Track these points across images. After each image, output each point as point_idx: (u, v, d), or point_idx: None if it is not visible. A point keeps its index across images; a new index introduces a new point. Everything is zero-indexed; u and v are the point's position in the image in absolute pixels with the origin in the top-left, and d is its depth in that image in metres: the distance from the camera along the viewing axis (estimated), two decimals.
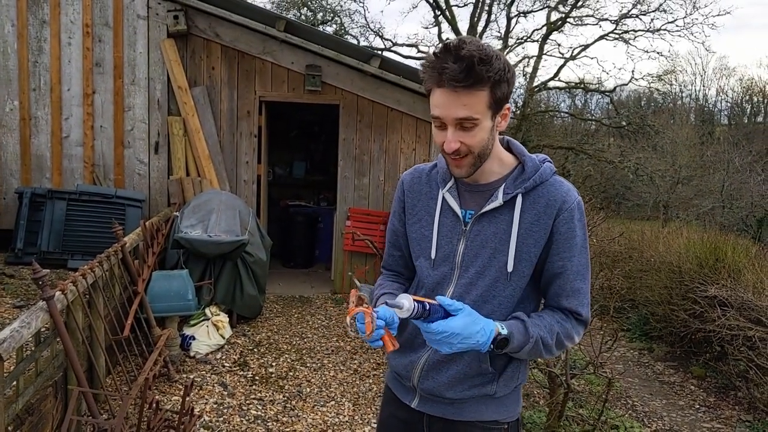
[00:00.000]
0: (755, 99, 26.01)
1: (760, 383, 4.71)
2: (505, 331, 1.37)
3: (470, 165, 1.44)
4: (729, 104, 26.60)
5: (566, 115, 20.76)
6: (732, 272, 5.43)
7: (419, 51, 19.63)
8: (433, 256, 1.55)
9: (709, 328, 5.05)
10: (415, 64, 16.35)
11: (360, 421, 3.75)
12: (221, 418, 3.63)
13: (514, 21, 19.18)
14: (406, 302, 1.28)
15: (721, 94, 26.76)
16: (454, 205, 1.52)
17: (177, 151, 6.15)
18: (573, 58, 18.69)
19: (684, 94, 26.23)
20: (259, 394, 4.01)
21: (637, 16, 18.56)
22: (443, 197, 1.55)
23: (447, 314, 1.35)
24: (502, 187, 1.48)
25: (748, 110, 26.30)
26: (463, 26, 18.96)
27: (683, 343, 5.88)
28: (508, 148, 1.56)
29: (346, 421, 3.73)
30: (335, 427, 3.64)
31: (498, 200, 1.47)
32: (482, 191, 1.51)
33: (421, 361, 1.55)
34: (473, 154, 1.41)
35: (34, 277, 2.70)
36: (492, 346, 1.36)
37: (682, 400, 4.87)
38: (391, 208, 1.72)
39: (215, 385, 4.09)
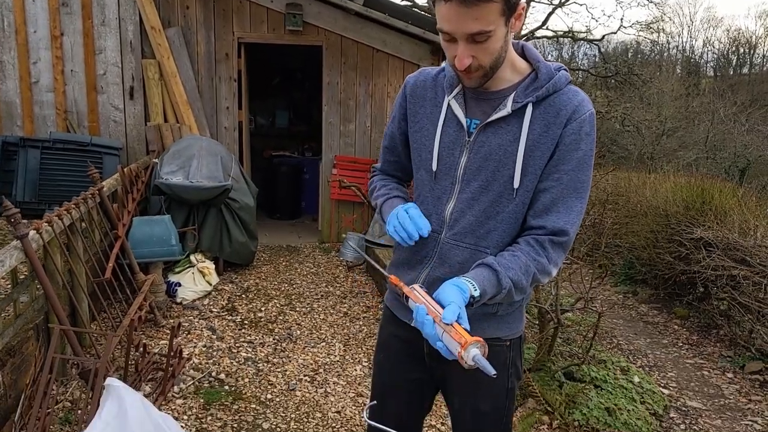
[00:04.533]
0: (741, 50, 25.95)
1: (741, 321, 4.78)
2: (477, 293, 1.26)
3: (481, 77, 1.33)
4: (715, 56, 26.53)
5: None
6: (718, 214, 5.43)
7: None
8: (434, 168, 1.45)
9: (693, 269, 5.08)
10: (400, 2, 15.91)
11: (351, 360, 3.74)
12: (211, 360, 3.59)
13: None
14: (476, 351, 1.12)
15: (707, 45, 26.68)
16: (459, 113, 1.41)
17: (153, 96, 5.93)
18: (561, 5, 18.37)
19: (671, 46, 26.07)
20: (248, 338, 3.97)
21: None
22: (448, 104, 1.44)
23: None
24: (512, 95, 1.36)
25: (734, 61, 26.27)
26: None
27: (667, 285, 5.93)
28: (523, 53, 1.43)
29: (337, 361, 3.72)
30: (326, 367, 3.62)
31: (506, 109, 1.35)
32: (491, 99, 1.39)
33: (421, 279, 1.48)
34: (484, 67, 1.30)
35: (6, 215, 2.58)
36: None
37: (666, 339, 4.93)
38: (390, 114, 1.61)
39: (203, 329, 4.04)
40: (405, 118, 1.55)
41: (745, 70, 25.70)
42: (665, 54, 25.57)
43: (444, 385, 1.61)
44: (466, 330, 1.14)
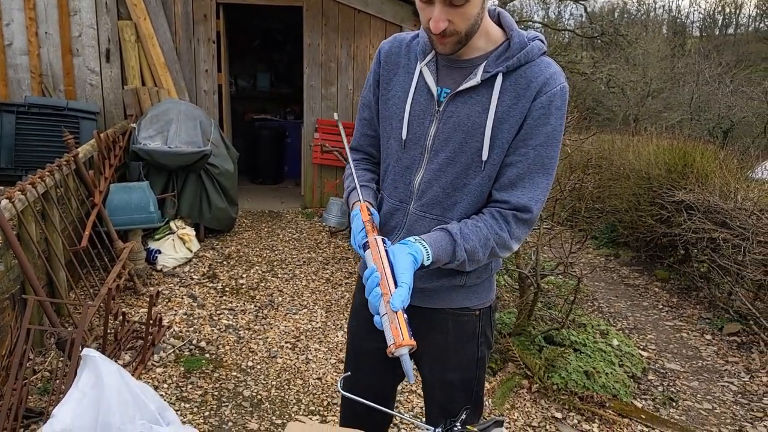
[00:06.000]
0: (727, 10, 25.78)
1: (720, 283, 4.85)
2: (428, 262, 1.26)
3: (455, 43, 1.28)
4: (701, 15, 26.34)
5: (539, 25, 20.24)
6: (700, 177, 5.46)
7: None
8: (403, 137, 1.41)
9: (675, 232, 5.12)
10: None
11: (333, 327, 3.75)
12: (192, 328, 3.58)
13: None
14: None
15: (694, 4, 26.44)
16: (430, 81, 1.36)
17: (130, 58, 5.76)
18: None
19: (657, 5, 25.81)
20: (229, 305, 3.96)
21: None
22: (420, 71, 1.39)
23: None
24: (483, 64, 1.31)
25: (720, 21, 26.11)
26: None
27: (649, 248, 5.99)
28: (499, 21, 1.37)
29: (319, 327, 3.73)
30: (308, 333, 3.63)
31: (476, 78, 1.30)
32: (462, 68, 1.35)
33: None
34: (459, 33, 1.25)
35: None
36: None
37: (646, 301, 5.00)
38: (366, 81, 1.56)
39: (184, 296, 4.02)
40: (378, 86, 1.50)
41: (731, 31, 25.59)
42: (651, 14, 25.33)
43: (415, 356, 1.61)
44: (407, 323, 1.15)
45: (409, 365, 1.14)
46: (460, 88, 1.33)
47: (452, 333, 1.50)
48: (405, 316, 1.15)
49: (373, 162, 1.59)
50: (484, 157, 1.33)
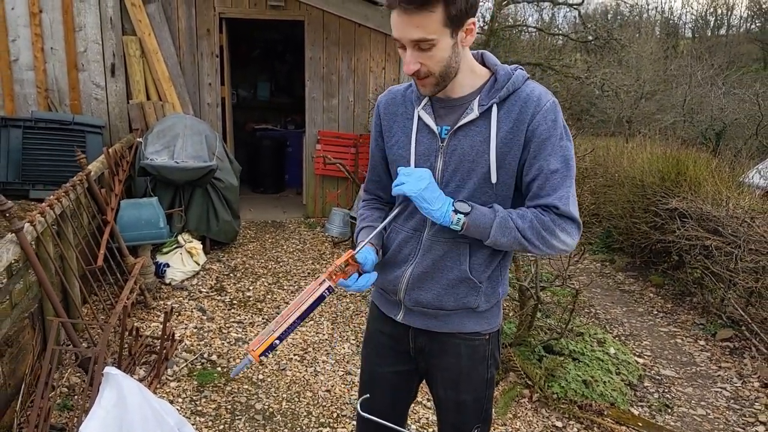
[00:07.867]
0: (719, 11, 25.99)
1: (713, 289, 4.97)
2: (466, 206, 1.44)
3: (433, 85, 1.43)
4: (694, 17, 26.55)
5: (534, 30, 20.39)
6: (693, 185, 5.59)
7: None
8: None
9: (668, 239, 5.24)
10: None
11: (339, 338, 3.87)
12: (202, 342, 3.69)
13: None
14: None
15: (686, 6, 26.64)
16: (430, 121, 1.51)
17: (135, 73, 5.87)
18: None
19: (650, 7, 25.99)
20: (238, 318, 4.07)
21: None
22: (418, 115, 1.54)
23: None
24: (477, 99, 1.47)
25: (712, 23, 26.33)
26: None
27: (643, 253, 6.11)
28: (482, 61, 1.54)
29: (326, 339, 3.84)
30: (315, 345, 3.75)
31: (474, 112, 1.46)
32: (457, 105, 1.50)
33: (407, 275, 1.59)
34: (434, 75, 1.40)
35: (1, 210, 2.62)
36: (454, 209, 1.44)
37: (641, 307, 5.12)
38: (371, 134, 1.71)
39: (193, 310, 4.12)
40: (381, 136, 1.66)
41: (723, 32, 25.81)
42: (644, 16, 25.52)
43: (428, 378, 1.74)
44: (270, 348, 1.43)
45: (241, 367, 1.46)
46: (461, 122, 1.48)
47: (465, 357, 1.63)
48: (278, 342, 1.43)
49: (382, 201, 1.77)
50: (494, 180, 1.47)
